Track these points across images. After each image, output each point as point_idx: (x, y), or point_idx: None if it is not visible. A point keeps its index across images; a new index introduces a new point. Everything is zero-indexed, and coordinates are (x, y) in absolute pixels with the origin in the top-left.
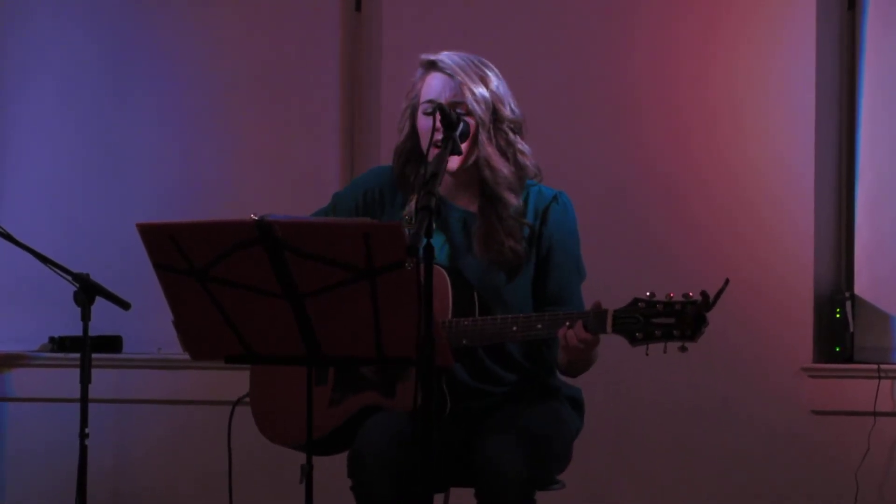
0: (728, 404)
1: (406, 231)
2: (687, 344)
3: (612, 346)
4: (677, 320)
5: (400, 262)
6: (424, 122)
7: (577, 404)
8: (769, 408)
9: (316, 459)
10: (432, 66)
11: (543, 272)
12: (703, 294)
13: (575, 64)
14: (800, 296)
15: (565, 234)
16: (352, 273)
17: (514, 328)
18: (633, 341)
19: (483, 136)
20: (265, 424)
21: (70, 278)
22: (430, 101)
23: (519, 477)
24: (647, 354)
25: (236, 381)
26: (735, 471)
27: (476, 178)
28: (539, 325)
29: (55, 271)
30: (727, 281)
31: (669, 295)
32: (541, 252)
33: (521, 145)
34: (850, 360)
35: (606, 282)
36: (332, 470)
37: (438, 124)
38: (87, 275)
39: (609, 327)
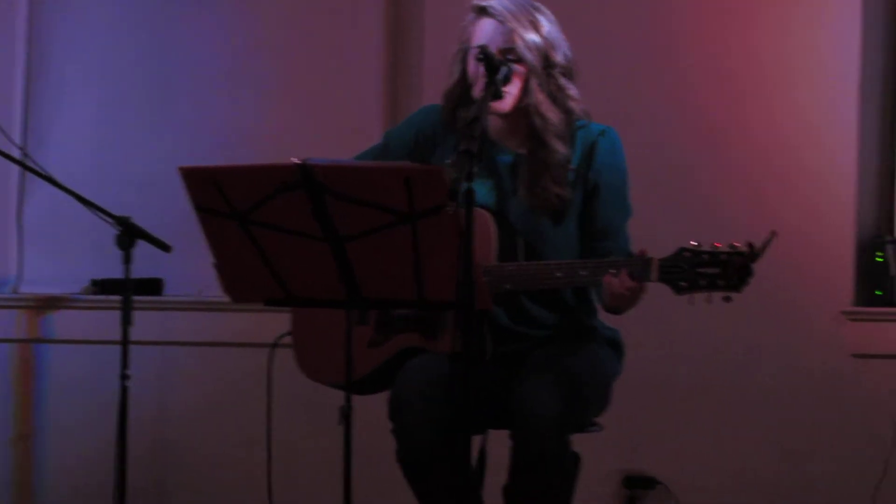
0: (768, 348)
1: (448, 175)
2: (731, 294)
3: (652, 291)
4: (723, 270)
5: (441, 206)
6: (475, 67)
7: (616, 346)
8: (809, 351)
9: (356, 401)
10: (483, 11)
11: (590, 207)
12: (750, 245)
13: (620, 11)
14: (841, 239)
15: (612, 168)
16: (393, 217)
17: (558, 274)
18: (678, 290)
19: (534, 83)
20: (305, 362)
21: (112, 221)
22: (477, 47)
23: (552, 417)
24: (691, 304)
25: (277, 323)
26: (775, 414)
27: (525, 121)
28: (583, 272)
29: (97, 214)
30: (773, 233)
31: (715, 245)
32: (587, 188)
33: (572, 90)
34: (891, 303)
35: (651, 229)
36: (372, 412)
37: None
38: (129, 218)
39: (654, 276)
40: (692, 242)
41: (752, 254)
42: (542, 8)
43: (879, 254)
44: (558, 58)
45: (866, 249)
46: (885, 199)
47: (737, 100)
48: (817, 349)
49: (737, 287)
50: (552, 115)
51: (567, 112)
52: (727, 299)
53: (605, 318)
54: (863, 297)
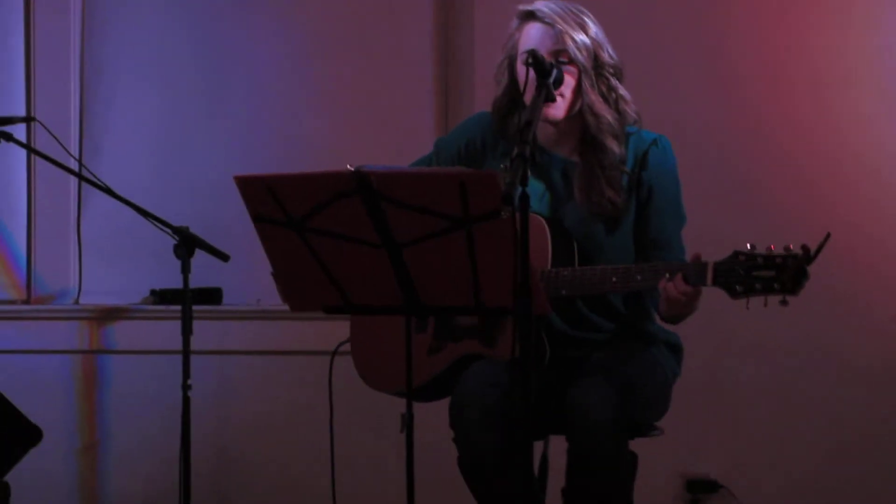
0: (828, 349)
1: (502, 180)
2: (787, 297)
3: (711, 293)
4: (778, 273)
5: (496, 212)
6: (524, 73)
7: (675, 349)
8: (870, 352)
9: (417, 408)
10: (530, 16)
11: (643, 216)
12: (804, 247)
13: (668, 10)
14: None
15: (665, 177)
16: (448, 222)
17: (614, 279)
18: (734, 294)
19: (586, 84)
20: (366, 370)
21: (170, 231)
22: (526, 52)
23: (604, 419)
24: (747, 308)
25: (336, 331)
26: (836, 416)
27: (578, 126)
28: (638, 277)
29: (155, 225)
30: (828, 235)
31: (770, 248)
32: (641, 197)
33: (623, 91)
34: None
35: (705, 231)
36: (434, 419)
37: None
38: (187, 228)
39: (710, 280)
40: (747, 245)
41: (807, 256)
42: (585, 10)
43: None
44: (606, 58)
45: None
46: None
47: (790, 97)
48: (878, 350)
49: (792, 290)
50: (606, 114)
51: (620, 113)
52: (784, 303)
53: (663, 324)
54: None
